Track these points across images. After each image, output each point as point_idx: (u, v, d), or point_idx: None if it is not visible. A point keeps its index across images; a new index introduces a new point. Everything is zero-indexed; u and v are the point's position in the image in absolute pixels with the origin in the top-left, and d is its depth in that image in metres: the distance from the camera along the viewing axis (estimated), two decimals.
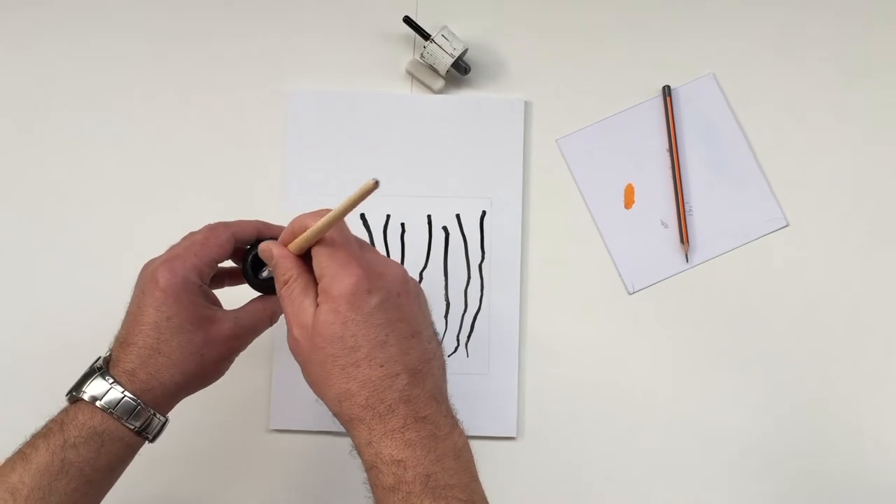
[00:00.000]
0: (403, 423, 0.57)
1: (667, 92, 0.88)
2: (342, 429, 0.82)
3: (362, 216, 0.86)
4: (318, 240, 0.58)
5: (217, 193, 0.86)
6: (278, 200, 0.86)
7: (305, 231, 0.59)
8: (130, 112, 0.88)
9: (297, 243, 0.60)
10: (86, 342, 0.70)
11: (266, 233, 0.70)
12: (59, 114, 0.88)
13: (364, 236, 0.85)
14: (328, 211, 0.58)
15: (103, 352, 0.66)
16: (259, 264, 0.69)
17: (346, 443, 0.82)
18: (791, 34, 0.90)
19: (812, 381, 0.85)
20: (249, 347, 0.75)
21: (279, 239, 0.63)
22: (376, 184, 0.55)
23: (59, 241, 0.86)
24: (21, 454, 0.62)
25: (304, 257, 0.61)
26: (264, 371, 0.84)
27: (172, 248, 0.68)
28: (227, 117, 0.88)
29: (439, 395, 0.60)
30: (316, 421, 0.83)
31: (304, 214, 0.60)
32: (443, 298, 0.85)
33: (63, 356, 0.72)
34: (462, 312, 0.85)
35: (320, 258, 0.58)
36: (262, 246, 0.64)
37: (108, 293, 0.81)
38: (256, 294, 0.71)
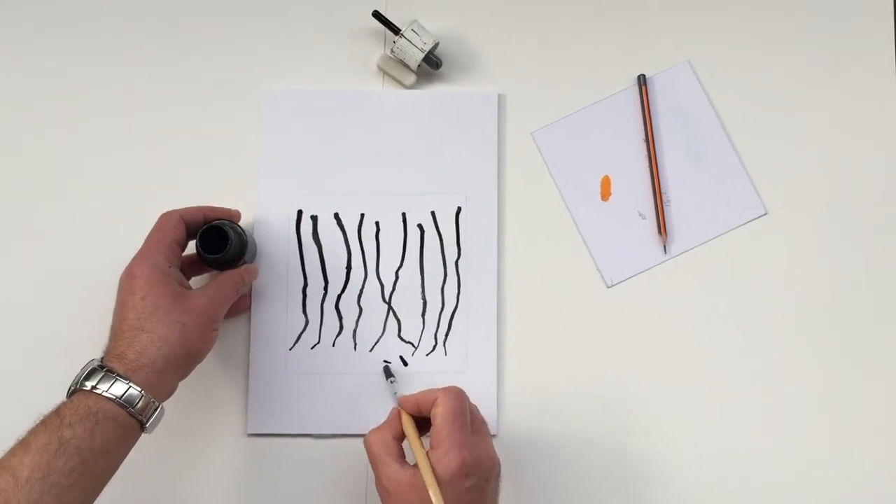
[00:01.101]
0: None
1: (642, 81, 0.87)
2: (320, 431, 0.83)
3: (336, 215, 0.85)
4: (442, 409, 0.69)
5: (190, 192, 0.85)
6: (251, 199, 0.85)
7: (431, 411, 0.70)
8: (104, 111, 0.88)
9: (409, 426, 0.72)
10: (77, 344, 0.76)
11: (212, 215, 0.79)
12: (27, 118, 0.88)
13: (338, 237, 0.85)
14: (456, 393, 0.71)
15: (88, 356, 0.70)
16: (209, 244, 0.77)
17: (322, 445, 0.83)
18: (767, 21, 0.89)
19: (792, 370, 0.85)
20: (225, 351, 0.81)
21: (399, 401, 0.74)
22: None
23: (25, 245, 0.86)
24: (20, 442, 0.65)
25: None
26: (240, 375, 0.83)
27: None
28: (200, 117, 0.87)
29: None
30: (293, 424, 0.82)
31: (440, 391, 0.71)
32: (419, 297, 0.84)
33: (64, 359, 0.74)
34: (439, 311, 0.84)
35: (440, 433, 0.69)
36: (392, 411, 0.75)
37: (83, 290, 0.84)
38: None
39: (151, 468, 0.79)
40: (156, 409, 0.69)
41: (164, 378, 0.70)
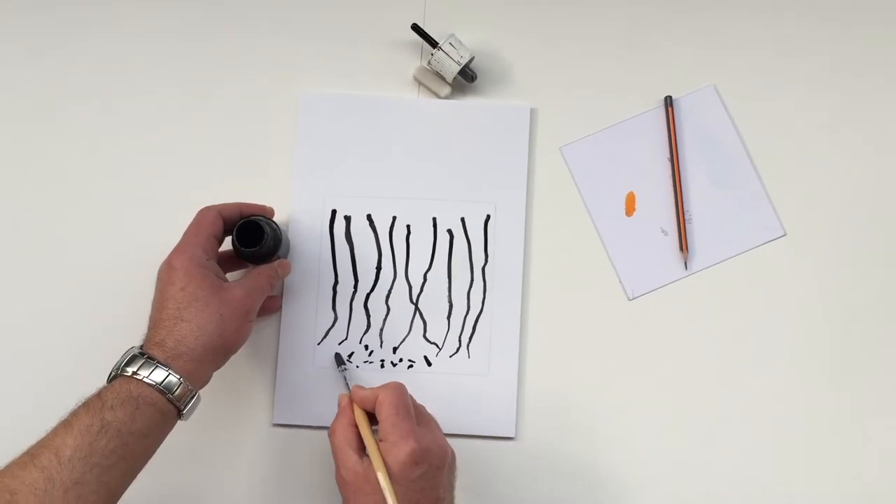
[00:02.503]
0: None
1: (668, 102, 0.90)
2: None
3: (368, 216, 0.87)
4: (384, 404, 0.72)
5: (226, 192, 0.87)
6: (286, 197, 0.88)
7: (375, 408, 0.74)
8: (142, 112, 0.90)
9: (361, 418, 0.75)
10: (117, 332, 0.78)
11: (247, 210, 0.81)
12: (69, 116, 0.90)
13: (370, 237, 0.87)
14: (396, 388, 0.74)
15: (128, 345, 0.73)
16: (245, 238, 0.79)
17: None
18: (791, 47, 0.92)
19: (809, 388, 0.87)
20: (255, 343, 0.83)
21: (353, 391, 0.77)
22: None
23: (75, 239, 0.88)
24: (63, 422, 0.66)
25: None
26: (269, 367, 0.85)
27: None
28: (238, 118, 0.90)
29: None
30: (318, 416, 0.84)
31: (374, 388, 0.75)
32: (446, 300, 0.87)
33: (103, 346, 0.76)
34: (464, 314, 0.87)
35: (386, 425, 0.71)
36: (340, 399, 0.77)
37: (120, 291, 0.86)
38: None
39: (178, 453, 0.80)
40: (193, 397, 0.71)
41: (201, 367, 0.72)
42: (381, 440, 0.71)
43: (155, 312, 0.73)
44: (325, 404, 0.84)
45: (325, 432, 0.83)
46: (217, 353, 0.73)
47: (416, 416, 0.74)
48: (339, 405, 0.77)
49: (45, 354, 0.86)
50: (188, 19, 0.91)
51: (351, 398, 0.76)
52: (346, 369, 0.84)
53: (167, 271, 0.74)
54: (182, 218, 0.79)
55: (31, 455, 0.64)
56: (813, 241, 0.89)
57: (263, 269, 0.80)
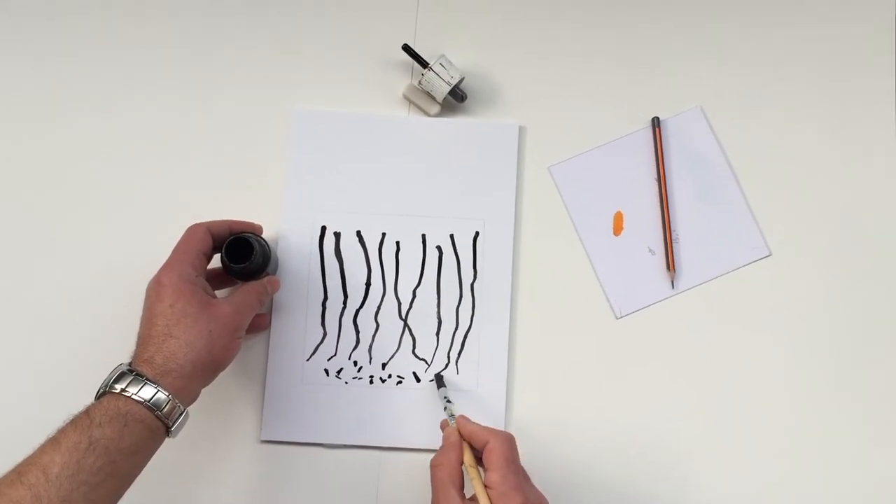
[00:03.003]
0: None
1: (655, 123, 0.91)
2: (332, 441, 0.85)
3: (358, 233, 0.88)
4: (496, 453, 0.71)
5: (217, 207, 0.88)
6: (277, 213, 0.88)
7: (484, 443, 0.73)
8: (135, 126, 0.90)
9: (472, 463, 0.73)
10: (103, 350, 0.79)
11: (236, 227, 0.81)
12: (62, 130, 0.90)
13: (359, 254, 0.88)
14: (508, 440, 0.73)
15: (116, 361, 0.72)
16: (234, 255, 0.79)
17: (333, 455, 0.84)
18: (777, 70, 0.93)
19: (793, 407, 0.87)
20: (243, 359, 0.82)
21: (459, 423, 0.76)
22: None
23: (62, 255, 0.88)
24: (51, 439, 0.65)
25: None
26: (257, 383, 0.85)
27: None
28: (230, 133, 0.90)
29: None
30: (306, 433, 0.84)
31: (491, 434, 0.73)
32: (435, 316, 0.87)
33: (90, 364, 0.76)
34: (453, 330, 0.87)
35: (495, 476, 0.70)
36: (448, 431, 0.76)
37: (109, 306, 0.86)
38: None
39: (166, 469, 0.80)
40: (181, 414, 0.70)
41: (190, 383, 0.72)
42: (488, 486, 0.70)
43: (144, 329, 0.73)
44: (313, 420, 0.84)
45: (314, 449, 0.84)
46: (206, 369, 0.73)
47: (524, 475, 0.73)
48: (445, 437, 0.76)
49: (34, 370, 0.85)
50: (183, 34, 0.92)
51: (460, 434, 0.75)
52: (448, 397, 0.82)
53: (156, 288, 0.74)
54: (171, 232, 0.79)
55: (18, 472, 0.63)
56: (798, 261, 0.90)
57: (252, 286, 0.80)
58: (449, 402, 0.81)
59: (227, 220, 0.81)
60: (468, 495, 0.70)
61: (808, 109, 0.93)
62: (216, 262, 0.81)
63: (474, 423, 0.75)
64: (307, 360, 0.85)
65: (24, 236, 0.88)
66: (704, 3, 0.95)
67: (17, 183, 0.89)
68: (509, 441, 0.73)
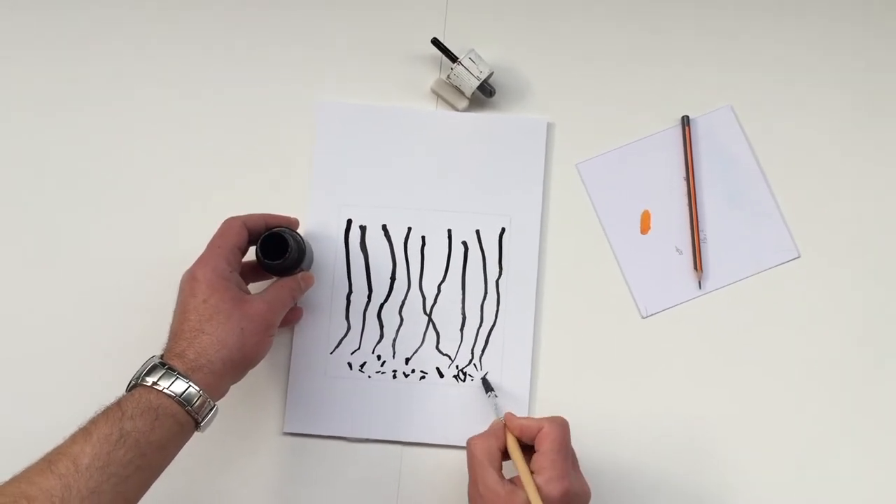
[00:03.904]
0: None
1: (685, 122, 0.91)
2: (354, 434, 0.85)
3: (384, 227, 0.88)
4: (548, 438, 0.72)
5: (244, 200, 0.87)
6: (303, 206, 0.88)
7: (536, 439, 0.73)
8: (162, 118, 0.90)
9: (515, 447, 0.74)
10: (132, 343, 0.81)
11: (272, 222, 0.80)
12: (87, 122, 0.90)
13: (385, 248, 0.87)
14: (562, 424, 0.74)
15: (147, 354, 0.72)
16: (269, 250, 0.78)
17: (355, 449, 0.84)
18: (808, 70, 0.92)
19: (820, 411, 0.86)
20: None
21: (507, 421, 0.76)
22: None
23: (96, 246, 0.88)
24: (82, 430, 0.66)
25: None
26: (281, 375, 0.85)
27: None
28: (258, 127, 0.90)
29: None
30: (328, 426, 0.84)
31: (546, 421, 0.74)
32: (459, 312, 0.87)
33: (123, 356, 0.77)
34: (477, 326, 0.86)
35: (544, 461, 0.71)
36: (494, 423, 0.77)
37: (140, 299, 0.87)
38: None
39: (189, 459, 0.79)
40: (211, 409, 0.70)
41: (220, 380, 0.72)
42: (534, 471, 0.71)
43: (176, 323, 0.73)
44: (336, 413, 0.84)
45: (337, 442, 0.85)
46: (237, 366, 0.73)
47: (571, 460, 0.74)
48: (490, 426, 0.77)
49: (65, 361, 0.86)
50: (210, 27, 0.92)
51: (506, 427, 0.75)
52: (496, 395, 0.83)
53: (190, 282, 0.74)
54: (199, 225, 0.79)
55: (48, 462, 0.64)
56: (827, 263, 0.89)
57: (286, 282, 0.79)
58: (496, 396, 0.83)
59: (263, 215, 0.81)
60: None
61: (840, 111, 0.92)
62: (251, 254, 0.80)
63: (525, 417, 0.76)
64: (331, 353, 0.85)
65: (51, 234, 0.88)
66: (736, 2, 0.94)
67: (42, 182, 0.89)
68: (562, 426, 0.73)
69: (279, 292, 0.78)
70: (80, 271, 0.87)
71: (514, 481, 0.71)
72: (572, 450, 0.75)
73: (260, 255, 0.78)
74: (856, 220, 0.90)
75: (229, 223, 0.78)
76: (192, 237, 0.79)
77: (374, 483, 0.84)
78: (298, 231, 0.83)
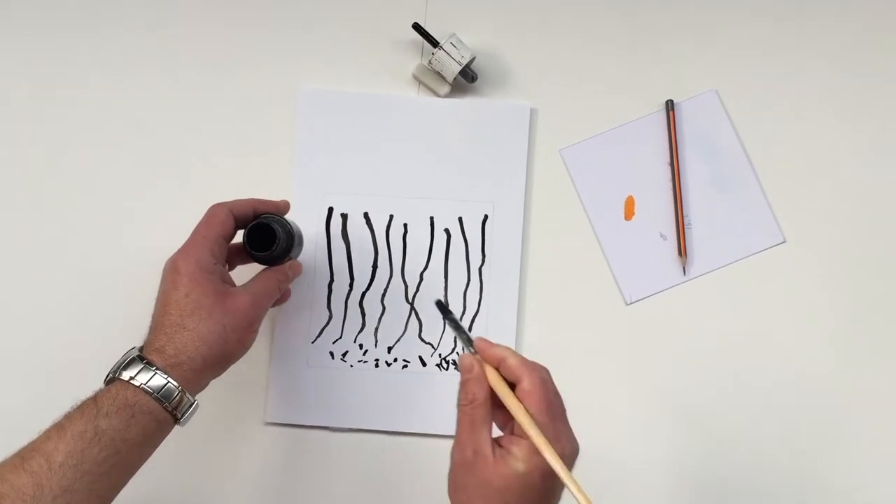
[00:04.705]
0: None
1: (669, 106, 0.90)
2: (336, 424, 0.84)
3: (366, 214, 0.87)
4: (532, 397, 0.62)
5: (225, 187, 0.86)
6: (284, 193, 0.86)
7: (509, 368, 0.64)
8: (140, 105, 0.89)
9: (497, 386, 0.63)
10: (112, 333, 0.78)
11: (261, 208, 0.77)
12: (64, 110, 0.89)
13: (367, 236, 0.87)
14: (541, 371, 0.64)
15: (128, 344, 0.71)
16: (256, 240, 0.75)
17: (338, 438, 0.84)
18: (793, 53, 0.92)
19: (806, 394, 0.86)
20: None
21: (479, 352, 0.65)
22: None
23: (72, 236, 0.87)
24: (56, 425, 0.65)
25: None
26: (262, 365, 0.85)
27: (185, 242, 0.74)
28: (237, 113, 0.89)
29: None
30: (310, 416, 0.84)
31: (523, 367, 0.64)
32: (442, 300, 0.86)
33: (101, 346, 0.74)
34: (460, 314, 0.86)
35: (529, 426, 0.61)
36: (466, 359, 0.65)
37: (116, 288, 0.86)
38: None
39: (169, 451, 0.79)
40: (191, 405, 0.69)
41: (200, 376, 0.70)
42: (520, 436, 0.62)
43: (157, 315, 0.71)
44: (318, 403, 0.84)
45: (319, 432, 0.84)
46: (218, 362, 0.72)
47: (556, 409, 0.64)
48: (465, 370, 0.65)
49: (41, 351, 0.85)
50: (187, 14, 0.91)
51: (481, 362, 0.65)
52: (455, 319, 0.69)
53: (172, 274, 0.72)
54: (178, 214, 0.79)
55: (21, 458, 0.63)
56: (813, 247, 0.88)
57: (273, 273, 0.77)
58: (458, 328, 0.68)
59: (251, 200, 0.77)
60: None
61: (825, 94, 0.91)
62: (238, 236, 0.78)
63: (498, 345, 0.65)
64: (312, 342, 0.85)
65: (33, 222, 0.87)
66: None
67: (25, 171, 0.88)
68: (544, 381, 0.64)
69: (266, 284, 0.76)
70: (56, 260, 0.87)
71: (500, 442, 0.63)
72: (558, 400, 0.65)
73: (247, 246, 0.76)
74: (841, 204, 0.89)
75: (215, 211, 0.75)
76: (169, 226, 0.78)
77: (358, 472, 0.83)
78: (287, 215, 0.80)
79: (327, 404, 0.84)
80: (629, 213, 0.89)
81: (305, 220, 0.86)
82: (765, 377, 0.86)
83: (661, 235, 0.89)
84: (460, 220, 0.87)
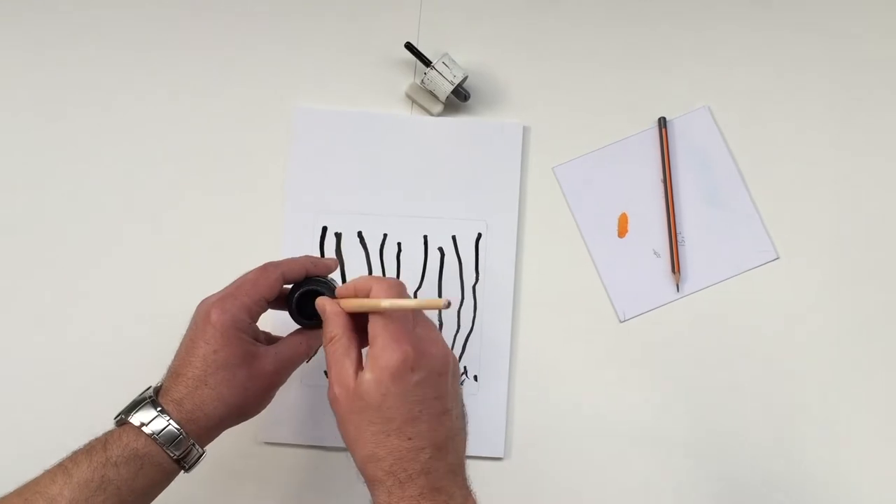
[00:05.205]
0: (420, 492, 0.62)
1: (662, 124, 0.90)
2: (332, 444, 0.84)
3: (359, 234, 0.87)
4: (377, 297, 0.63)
5: (219, 206, 0.88)
6: (278, 213, 0.88)
7: (367, 296, 0.64)
8: (133, 124, 0.89)
9: (354, 305, 0.65)
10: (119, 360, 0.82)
11: (313, 270, 0.74)
12: (58, 128, 0.89)
13: (360, 255, 0.87)
14: (395, 284, 0.64)
15: (143, 381, 0.71)
16: (304, 307, 0.73)
17: (334, 457, 0.84)
18: (785, 70, 0.92)
19: (800, 411, 0.86)
20: None
21: (337, 291, 0.68)
22: (448, 304, 0.61)
23: (72, 257, 0.88)
24: (62, 467, 0.64)
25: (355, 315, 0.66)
26: None
27: (226, 287, 0.72)
28: (231, 132, 0.89)
29: (458, 469, 0.65)
30: (306, 435, 0.84)
31: (374, 279, 0.65)
32: (436, 318, 0.86)
33: (107, 381, 0.77)
34: (455, 332, 0.86)
35: (375, 327, 0.63)
36: (319, 301, 0.68)
37: (110, 306, 0.86)
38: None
39: None
40: (199, 456, 0.69)
41: (214, 431, 0.70)
42: (369, 343, 0.63)
43: (179, 363, 0.69)
44: (313, 422, 0.84)
45: (313, 451, 0.84)
46: (233, 421, 0.71)
47: (415, 318, 0.65)
48: (321, 311, 0.68)
49: (50, 374, 0.86)
50: (181, 33, 0.91)
51: (337, 296, 0.68)
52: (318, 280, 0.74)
53: (204, 323, 0.69)
54: (169, 233, 0.81)
55: (24, 499, 0.63)
56: (806, 264, 0.89)
57: (305, 338, 0.74)
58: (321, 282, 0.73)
59: (304, 261, 0.74)
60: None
61: (818, 111, 0.91)
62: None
63: (352, 280, 0.67)
64: (307, 361, 0.85)
65: (25, 237, 0.88)
66: (713, 3, 0.93)
67: (17, 184, 0.89)
68: (392, 286, 0.64)
69: (296, 349, 0.74)
70: (54, 277, 0.87)
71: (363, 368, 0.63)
72: (423, 314, 0.67)
73: (295, 311, 0.74)
74: (834, 221, 0.89)
75: (266, 272, 0.72)
76: (161, 245, 0.80)
77: (353, 491, 0.82)
78: (332, 277, 0.76)
79: (323, 423, 0.84)
80: (623, 231, 0.89)
81: (299, 239, 0.87)
82: (759, 393, 0.86)
83: (655, 252, 0.89)
84: (454, 238, 0.88)
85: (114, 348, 0.84)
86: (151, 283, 0.80)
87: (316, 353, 0.78)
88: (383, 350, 0.62)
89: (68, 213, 0.88)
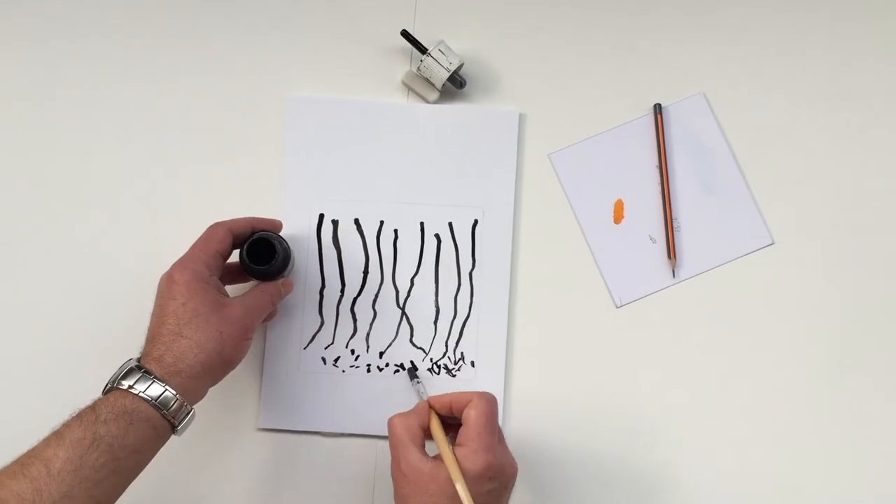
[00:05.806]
0: None
1: (657, 110, 0.90)
2: (329, 429, 0.85)
3: (356, 221, 0.87)
4: (476, 411, 0.71)
5: (216, 195, 0.88)
6: (275, 200, 0.88)
7: (464, 411, 0.72)
8: (129, 114, 0.90)
9: (437, 425, 0.73)
10: (107, 345, 0.80)
11: (258, 226, 0.80)
12: (53, 119, 0.89)
13: (357, 242, 0.87)
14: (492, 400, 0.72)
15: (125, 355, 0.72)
16: (255, 255, 0.78)
17: (331, 443, 0.84)
18: (780, 55, 0.92)
19: (795, 396, 0.86)
20: None
21: (431, 399, 0.75)
22: None
23: (63, 245, 0.88)
24: (55, 433, 0.66)
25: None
26: (255, 371, 0.85)
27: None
28: (227, 121, 0.90)
29: None
30: (303, 421, 0.84)
31: (482, 405, 0.71)
32: (433, 305, 0.86)
33: (98, 357, 0.76)
34: (451, 318, 0.86)
35: (471, 431, 0.70)
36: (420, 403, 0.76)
37: (112, 298, 0.87)
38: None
39: (163, 456, 0.80)
40: (188, 413, 0.70)
41: (198, 383, 0.72)
42: (458, 444, 0.70)
43: (154, 326, 0.73)
44: (311, 408, 0.84)
45: (311, 437, 0.85)
46: (215, 370, 0.73)
47: (496, 430, 0.72)
48: (415, 407, 0.75)
49: (40, 362, 0.86)
50: (177, 22, 0.91)
51: (430, 405, 0.74)
52: (419, 382, 0.84)
53: (168, 284, 0.73)
54: (168, 222, 0.82)
55: (21, 465, 0.64)
56: (801, 249, 0.89)
57: (266, 288, 0.79)
58: (419, 382, 0.84)
59: (249, 219, 0.80)
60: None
61: (813, 97, 0.91)
62: (233, 256, 0.80)
63: (450, 393, 0.74)
64: (304, 348, 0.85)
65: (25, 231, 0.88)
66: None
67: (14, 178, 0.89)
68: (490, 402, 0.72)
69: (259, 297, 0.78)
70: (49, 272, 0.87)
71: (438, 459, 0.70)
72: (499, 427, 0.73)
73: (246, 259, 0.78)
74: (830, 205, 0.90)
75: (214, 229, 0.77)
76: (160, 235, 0.81)
77: (351, 477, 0.84)
78: (281, 234, 0.82)
79: (319, 410, 0.84)
80: (618, 217, 0.90)
81: (296, 226, 0.87)
82: (754, 378, 0.87)
83: (651, 238, 0.89)
84: (450, 225, 0.88)
85: (113, 338, 0.83)
86: (150, 275, 0.80)
87: (277, 306, 0.82)
88: (473, 454, 0.69)
89: (62, 206, 0.88)
